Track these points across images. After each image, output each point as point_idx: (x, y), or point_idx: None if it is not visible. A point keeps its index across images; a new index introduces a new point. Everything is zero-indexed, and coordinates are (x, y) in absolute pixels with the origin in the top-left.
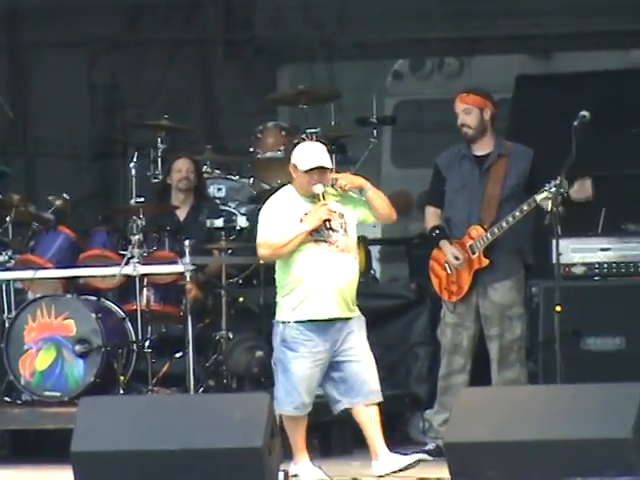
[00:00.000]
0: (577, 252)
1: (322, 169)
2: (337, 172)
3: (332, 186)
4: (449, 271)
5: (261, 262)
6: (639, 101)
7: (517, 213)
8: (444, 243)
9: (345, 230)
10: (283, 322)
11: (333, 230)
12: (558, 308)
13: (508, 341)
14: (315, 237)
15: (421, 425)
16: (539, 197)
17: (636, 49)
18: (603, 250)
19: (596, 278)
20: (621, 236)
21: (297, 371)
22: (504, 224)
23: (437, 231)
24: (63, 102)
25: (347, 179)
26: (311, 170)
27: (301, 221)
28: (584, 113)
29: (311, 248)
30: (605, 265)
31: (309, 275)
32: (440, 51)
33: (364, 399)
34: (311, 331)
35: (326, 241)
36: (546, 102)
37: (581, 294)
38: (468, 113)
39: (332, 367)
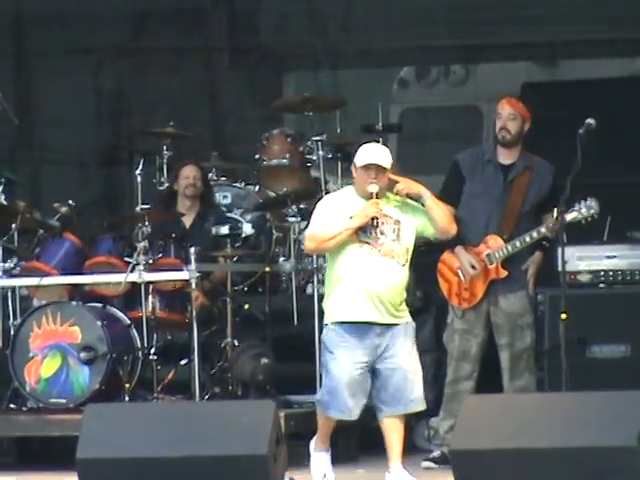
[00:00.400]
0: (583, 260)
1: (379, 168)
2: (395, 175)
3: (392, 191)
4: (462, 278)
5: (267, 270)
6: None
7: (542, 229)
8: (460, 250)
9: (397, 236)
10: (325, 324)
11: (382, 232)
12: (563, 316)
13: (519, 350)
14: (361, 238)
15: (426, 433)
16: (569, 217)
17: None
18: (609, 258)
19: (601, 286)
20: (626, 243)
21: (337, 373)
22: (527, 238)
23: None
24: (69, 109)
25: (405, 184)
26: (367, 167)
27: (351, 218)
28: (590, 121)
29: (354, 249)
30: (611, 273)
31: (347, 276)
32: (446, 59)
33: (404, 407)
34: (348, 333)
35: (370, 243)
36: (552, 110)
37: (587, 302)
38: (513, 119)
39: (374, 374)
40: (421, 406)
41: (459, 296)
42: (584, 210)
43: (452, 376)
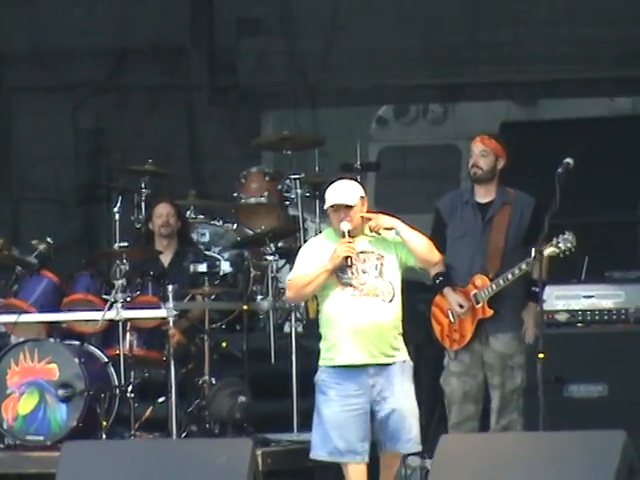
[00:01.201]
0: (560, 299)
1: (347, 207)
2: (369, 212)
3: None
4: (452, 319)
5: (244, 308)
6: (623, 149)
7: (523, 266)
8: (448, 290)
9: (380, 272)
10: (319, 366)
11: (364, 271)
12: (541, 355)
13: (509, 390)
14: (342, 280)
15: (403, 471)
16: (547, 251)
17: (620, 97)
18: (586, 297)
19: (579, 325)
20: (604, 283)
21: (327, 415)
22: (510, 276)
23: (441, 278)
24: (47, 146)
25: (376, 220)
26: (334, 208)
27: None
28: (568, 160)
29: (337, 292)
30: (588, 312)
31: (334, 320)
32: (424, 97)
33: (402, 447)
34: (340, 376)
35: (351, 284)
36: (530, 149)
37: (564, 341)
38: (484, 156)
39: (372, 414)
40: (417, 447)
41: (450, 337)
42: (561, 244)
43: (456, 418)
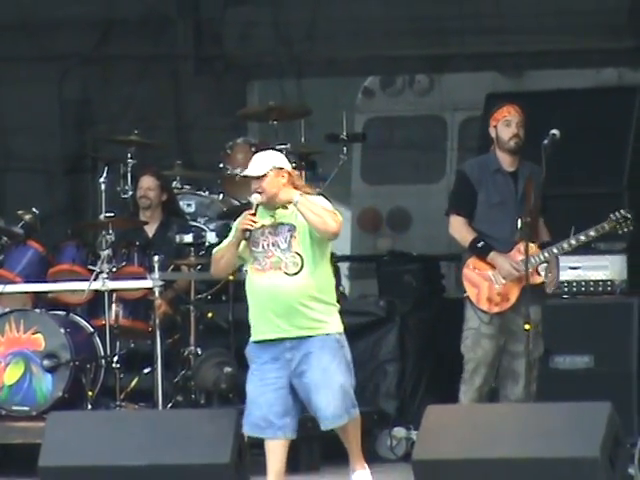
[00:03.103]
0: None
1: (257, 178)
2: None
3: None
4: (495, 282)
5: (230, 278)
6: (609, 120)
7: (582, 237)
8: (496, 255)
9: (289, 244)
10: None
11: (274, 244)
12: (527, 326)
13: (534, 358)
14: (253, 254)
15: (389, 442)
16: (608, 225)
17: (606, 68)
18: (572, 268)
19: (565, 297)
20: (590, 254)
21: (249, 389)
22: (565, 246)
23: (482, 242)
24: (33, 117)
25: (276, 194)
26: (244, 179)
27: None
28: (554, 132)
29: (249, 267)
30: (574, 283)
31: (249, 296)
32: (410, 68)
33: (322, 423)
34: (259, 350)
35: (258, 259)
36: None
37: (550, 313)
38: (522, 126)
39: (294, 389)
40: (338, 422)
41: (491, 301)
42: (621, 219)
43: (481, 381)
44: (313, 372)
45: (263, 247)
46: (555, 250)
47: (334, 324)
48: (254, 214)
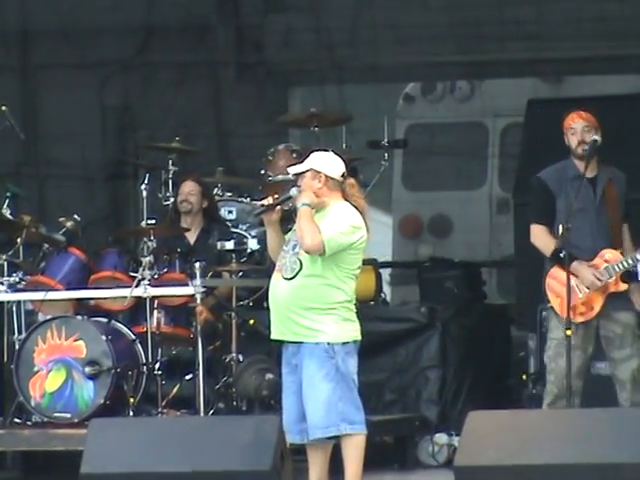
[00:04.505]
0: None
1: (298, 174)
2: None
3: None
4: (578, 292)
5: None
6: None
7: None
8: (580, 264)
9: (296, 248)
10: None
11: (293, 247)
12: (569, 332)
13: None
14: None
15: (430, 448)
16: None
17: None
18: None
19: None
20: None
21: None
22: None
23: (564, 251)
24: (74, 124)
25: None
26: (285, 186)
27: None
28: (596, 137)
29: None
30: None
31: None
32: (451, 74)
33: (310, 434)
34: (282, 353)
35: (279, 259)
36: (557, 126)
37: None
38: (588, 131)
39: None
40: (323, 434)
41: (575, 310)
42: None
43: (562, 392)
44: (303, 380)
45: (287, 246)
46: (638, 256)
47: (327, 333)
48: (277, 197)
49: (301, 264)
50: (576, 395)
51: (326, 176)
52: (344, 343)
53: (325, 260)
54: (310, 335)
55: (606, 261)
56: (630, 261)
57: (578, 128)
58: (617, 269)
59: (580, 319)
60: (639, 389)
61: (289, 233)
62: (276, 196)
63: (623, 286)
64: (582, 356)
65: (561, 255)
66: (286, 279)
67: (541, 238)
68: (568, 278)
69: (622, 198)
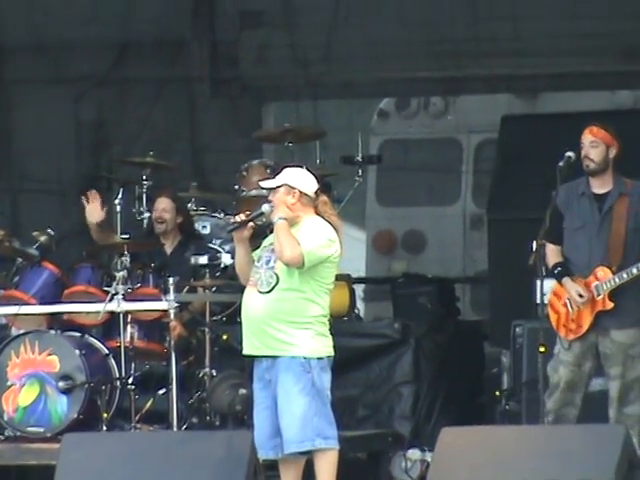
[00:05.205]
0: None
1: (270, 189)
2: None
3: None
4: (570, 309)
5: None
6: (624, 142)
7: None
8: (567, 280)
9: (274, 262)
10: None
11: (267, 261)
12: (542, 349)
13: (630, 380)
14: (253, 269)
15: (404, 464)
16: None
17: (621, 90)
18: None
19: None
20: None
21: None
22: (635, 270)
23: (559, 268)
24: (48, 138)
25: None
26: (260, 201)
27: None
28: (570, 154)
29: None
30: None
31: None
32: (426, 90)
33: (284, 448)
34: (254, 369)
35: (252, 274)
36: (532, 142)
37: None
38: (595, 147)
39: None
40: (298, 448)
41: (566, 327)
42: None
43: (556, 405)
44: (278, 395)
45: (259, 262)
46: (625, 275)
47: (303, 347)
48: (249, 214)
49: (277, 278)
50: (569, 406)
51: (300, 192)
52: (319, 358)
53: (302, 274)
54: (286, 349)
55: (597, 279)
56: (617, 280)
57: (585, 143)
58: (605, 287)
59: (571, 336)
60: (626, 405)
61: (257, 250)
62: (248, 213)
63: (609, 304)
64: (576, 371)
65: (555, 272)
66: (262, 293)
67: (548, 256)
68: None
69: (638, 212)
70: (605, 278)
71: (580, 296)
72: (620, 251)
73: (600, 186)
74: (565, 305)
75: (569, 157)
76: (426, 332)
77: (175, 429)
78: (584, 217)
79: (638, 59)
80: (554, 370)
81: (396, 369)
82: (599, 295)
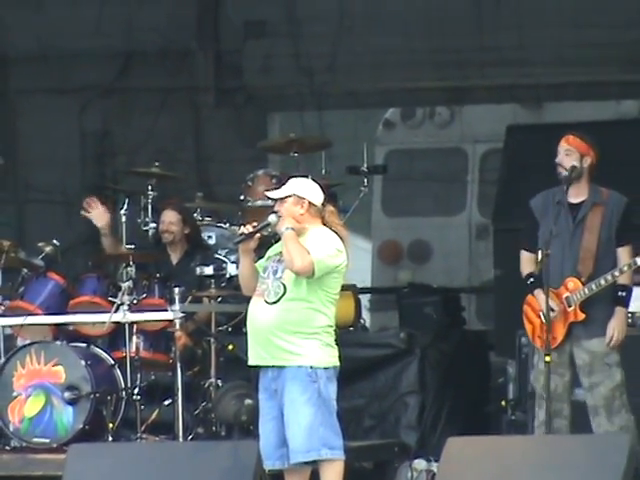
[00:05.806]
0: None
1: (278, 200)
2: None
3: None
4: (543, 320)
5: None
6: (629, 151)
7: (616, 273)
8: (539, 292)
9: (282, 272)
10: None
11: (274, 271)
12: (547, 358)
13: (609, 389)
14: (259, 279)
15: (409, 474)
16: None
17: (626, 100)
18: None
19: None
20: None
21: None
22: (602, 281)
23: (532, 279)
24: (54, 149)
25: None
26: (265, 211)
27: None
28: (574, 164)
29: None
30: None
31: None
32: (431, 100)
33: (290, 458)
34: (260, 380)
35: (259, 284)
36: (537, 152)
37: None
38: (568, 155)
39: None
40: (304, 458)
41: (541, 338)
42: None
43: (544, 416)
44: (285, 405)
45: (265, 273)
46: (594, 286)
47: (310, 357)
48: (256, 225)
49: (285, 288)
50: (558, 417)
51: (309, 202)
52: (325, 368)
53: (310, 284)
54: (292, 359)
55: (568, 290)
56: (586, 291)
57: (560, 151)
58: (576, 298)
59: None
60: (615, 415)
61: (261, 260)
62: (255, 224)
63: (581, 316)
64: (558, 380)
65: (528, 283)
66: (269, 303)
67: (522, 264)
68: (545, 304)
69: (611, 223)
70: (575, 289)
71: (551, 309)
72: (591, 262)
73: (575, 195)
74: (539, 316)
75: (574, 167)
76: (432, 342)
77: (181, 439)
78: (559, 226)
79: None
80: (536, 380)
81: (402, 379)
82: (570, 306)
